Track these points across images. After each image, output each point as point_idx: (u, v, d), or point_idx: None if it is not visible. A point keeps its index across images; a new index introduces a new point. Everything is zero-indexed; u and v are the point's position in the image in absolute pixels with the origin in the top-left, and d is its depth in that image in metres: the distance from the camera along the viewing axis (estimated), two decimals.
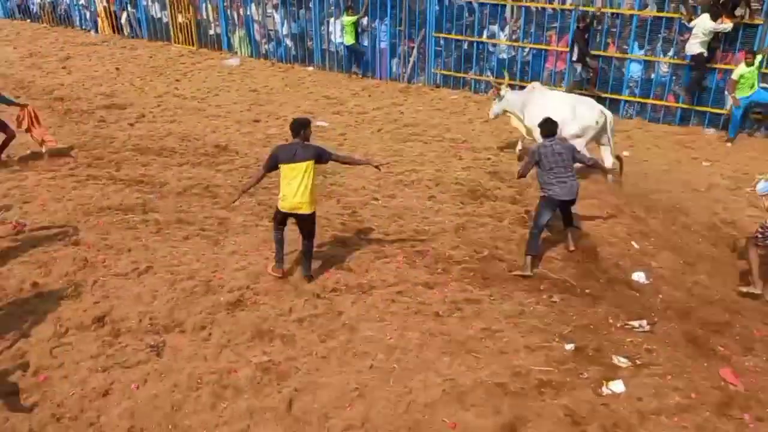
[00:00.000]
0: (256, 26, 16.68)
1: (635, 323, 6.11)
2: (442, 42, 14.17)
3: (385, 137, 11.42)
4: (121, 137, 11.04)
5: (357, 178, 9.49)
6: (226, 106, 12.96)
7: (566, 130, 8.46)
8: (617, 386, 5.16)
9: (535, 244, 7.03)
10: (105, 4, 18.79)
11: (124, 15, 18.69)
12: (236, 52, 17.01)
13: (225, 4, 16.86)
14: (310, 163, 6.26)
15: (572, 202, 7.18)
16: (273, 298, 6.42)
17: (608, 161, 9.06)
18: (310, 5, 15.56)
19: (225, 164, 10.01)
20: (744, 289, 6.86)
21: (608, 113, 9.15)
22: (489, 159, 10.38)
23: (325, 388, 5.16)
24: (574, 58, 12.42)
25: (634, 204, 8.62)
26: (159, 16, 18.14)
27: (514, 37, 13.34)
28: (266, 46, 16.70)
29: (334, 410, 4.95)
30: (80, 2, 19.58)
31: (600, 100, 10.91)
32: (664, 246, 7.67)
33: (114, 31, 18.90)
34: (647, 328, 6.06)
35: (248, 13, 16.63)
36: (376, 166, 7.13)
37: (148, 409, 4.98)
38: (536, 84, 10.20)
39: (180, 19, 17.54)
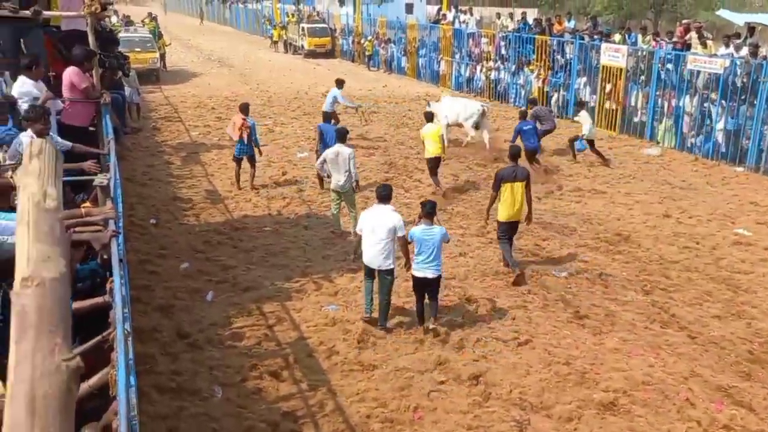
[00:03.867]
0: (686, 118, 15.81)
1: None
2: None
3: None
4: None
5: None
6: (636, 195, 12.47)
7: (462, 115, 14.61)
8: None
9: None
10: (540, 85, 20.23)
11: (555, 96, 19.77)
12: (658, 142, 16.38)
13: (657, 93, 16.46)
14: (525, 182, 8.33)
15: None
16: (651, 412, 5.81)
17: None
18: (755, 102, 14.06)
19: (623, 254, 9.56)
20: None
21: (486, 106, 15.04)
22: None
23: None
24: None
25: None
26: (587, 100, 18.66)
27: None
28: (693, 140, 15.67)
29: None
30: (518, 82, 21.53)
31: None
32: None
33: None
34: None
35: (680, 104, 15.88)
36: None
37: None
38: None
39: (607, 105, 17.79)
